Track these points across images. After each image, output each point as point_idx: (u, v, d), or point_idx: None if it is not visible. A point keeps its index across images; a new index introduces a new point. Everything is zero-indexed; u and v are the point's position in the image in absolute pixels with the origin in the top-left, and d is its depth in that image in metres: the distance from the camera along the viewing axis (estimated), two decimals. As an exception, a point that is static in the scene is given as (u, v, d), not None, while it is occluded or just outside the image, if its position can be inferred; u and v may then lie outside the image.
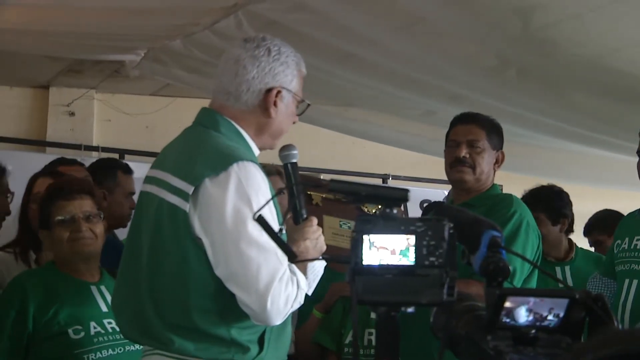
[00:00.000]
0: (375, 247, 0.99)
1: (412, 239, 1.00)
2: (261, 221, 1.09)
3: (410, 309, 1.03)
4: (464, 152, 2.45)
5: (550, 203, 3.14)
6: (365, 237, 0.99)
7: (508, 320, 0.91)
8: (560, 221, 3.15)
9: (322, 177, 2.98)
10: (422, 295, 0.99)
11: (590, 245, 3.76)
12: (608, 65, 2.68)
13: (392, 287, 0.99)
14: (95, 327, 2.18)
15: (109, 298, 2.22)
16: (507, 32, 2.66)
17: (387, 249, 0.99)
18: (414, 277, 0.99)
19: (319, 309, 2.64)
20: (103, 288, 2.29)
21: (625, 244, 2.63)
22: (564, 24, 2.48)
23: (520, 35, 2.61)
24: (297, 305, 1.72)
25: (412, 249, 0.99)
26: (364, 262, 0.99)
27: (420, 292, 0.99)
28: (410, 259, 1.00)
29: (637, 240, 2.58)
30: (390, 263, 0.99)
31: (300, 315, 2.65)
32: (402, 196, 1.04)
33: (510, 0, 2.45)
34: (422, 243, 0.99)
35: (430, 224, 1.00)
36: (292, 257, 1.12)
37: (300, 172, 1.91)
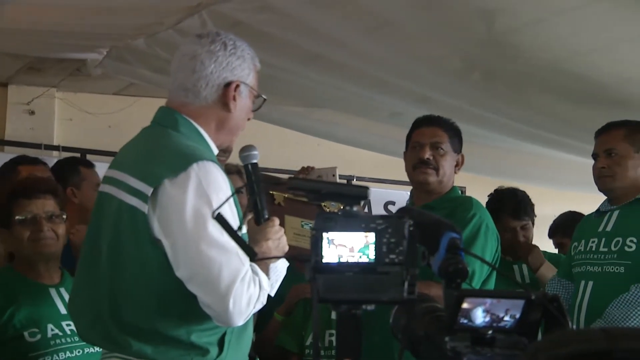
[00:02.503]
0: (335, 244, 0.99)
1: (372, 236, 0.99)
2: (220, 220, 1.08)
3: (370, 307, 1.02)
4: (427, 154, 2.47)
5: (532, 207, 3.22)
6: (325, 234, 0.99)
7: (465, 321, 0.91)
8: (534, 220, 3.24)
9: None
10: (383, 293, 0.99)
11: (555, 247, 3.82)
12: (569, 69, 2.73)
13: (353, 284, 0.99)
14: (52, 330, 2.14)
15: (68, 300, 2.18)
16: (472, 36, 2.69)
17: (346, 246, 0.99)
18: (374, 275, 0.99)
19: (280, 311, 2.63)
20: (63, 290, 2.25)
21: (581, 246, 2.67)
22: (526, 28, 2.52)
23: (485, 38, 2.64)
24: (259, 306, 1.71)
25: (372, 247, 0.99)
26: (324, 260, 0.99)
27: (380, 290, 0.99)
28: (370, 257, 0.99)
29: (593, 242, 2.62)
30: (350, 261, 0.99)
31: (260, 316, 2.64)
32: (362, 194, 1.04)
33: (475, 4, 2.48)
34: (382, 240, 0.99)
35: (390, 222, 1.00)
36: (252, 256, 1.11)
37: (262, 172, 1.90)
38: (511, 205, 3.16)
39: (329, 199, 1.07)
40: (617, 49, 2.54)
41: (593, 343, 0.60)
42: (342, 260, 0.99)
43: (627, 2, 2.22)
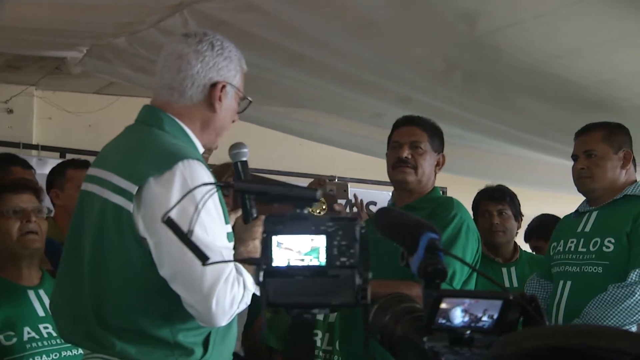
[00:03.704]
0: (285, 248, 0.97)
1: (322, 239, 0.98)
2: (170, 223, 1.07)
3: (324, 311, 1.01)
4: (406, 153, 2.49)
5: (514, 200, 3.29)
6: (274, 237, 0.97)
7: (444, 321, 0.91)
8: (519, 219, 3.30)
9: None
10: (334, 297, 0.98)
11: (532, 250, 3.87)
12: (548, 71, 2.75)
13: (303, 288, 0.97)
14: (29, 333, 2.12)
15: (47, 302, 2.16)
16: (454, 37, 2.70)
17: (296, 249, 0.98)
18: (325, 278, 0.97)
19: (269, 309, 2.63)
20: (41, 292, 2.23)
21: (560, 246, 2.70)
22: (507, 30, 2.54)
23: (467, 40, 2.65)
24: (243, 306, 1.70)
25: (323, 249, 0.98)
26: (274, 264, 0.97)
27: (331, 294, 0.98)
28: (321, 260, 0.98)
29: (572, 242, 2.65)
30: (300, 264, 0.97)
31: (251, 311, 2.62)
32: (311, 196, 1.02)
33: (457, 5, 2.49)
34: (333, 243, 0.98)
35: (341, 224, 0.98)
36: (204, 260, 1.09)
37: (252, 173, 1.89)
38: (490, 190, 3.29)
39: (278, 201, 1.04)
40: (596, 52, 2.57)
41: (556, 339, 0.61)
42: (292, 263, 0.97)
43: (605, 6, 2.24)
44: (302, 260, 0.98)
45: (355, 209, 3.02)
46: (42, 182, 3.05)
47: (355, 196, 3.01)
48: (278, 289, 0.97)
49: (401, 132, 2.56)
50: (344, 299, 0.98)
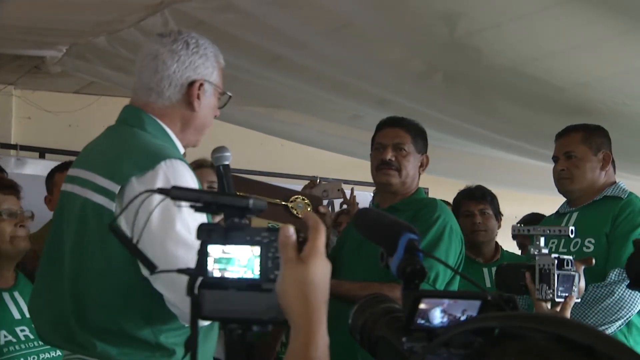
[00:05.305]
0: (220, 258, 0.94)
1: (257, 250, 0.94)
2: (115, 231, 1.04)
3: (260, 328, 0.97)
4: (389, 155, 2.49)
5: (494, 200, 3.33)
6: (209, 247, 0.94)
7: (423, 322, 0.91)
8: (499, 218, 3.33)
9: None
10: (264, 312, 0.94)
11: (518, 247, 3.91)
12: (527, 73, 2.77)
13: (237, 302, 0.93)
14: (5, 336, 2.09)
15: (22, 304, 2.13)
16: (434, 38, 2.71)
17: (231, 260, 0.94)
18: (258, 292, 0.94)
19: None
20: (16, 294, 2.20)
21: (541, 246, 2.72)
22: (486, 32, 2.55)
23: (447, 41, 2.66)
24: None
25: (258, 261, 0.94)
26: (209, 275, 0.94)
27: (262, 309, 0.94)
28: (255, 272, 0.94)
29: (552, 243, 2.67)
30: (235, 276, 0.93)
31: None
32: (242, 204, 0.97)
33: (436, 7, 2.50)
34: (268, 255, 0.94)
35: (277, 235, 0.95)
36: (152, 269, 1.06)
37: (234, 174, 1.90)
38: (470, 190, 3.34)
39: (209, 211, 0.99)
40: (573, 55, 2.59)
41: (487, 321, 0.64)
42: (226, 275, 0.93)
43: (581, 9, 2.26)
44: (238, 271, 0.93)
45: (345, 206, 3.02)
46: (21, 182, 3.01)
47: (351, 191, 3.01)
48: (213, 301, 0.93)
49: (384, 134, 2.56)
50: (275, 315, 0.94)
